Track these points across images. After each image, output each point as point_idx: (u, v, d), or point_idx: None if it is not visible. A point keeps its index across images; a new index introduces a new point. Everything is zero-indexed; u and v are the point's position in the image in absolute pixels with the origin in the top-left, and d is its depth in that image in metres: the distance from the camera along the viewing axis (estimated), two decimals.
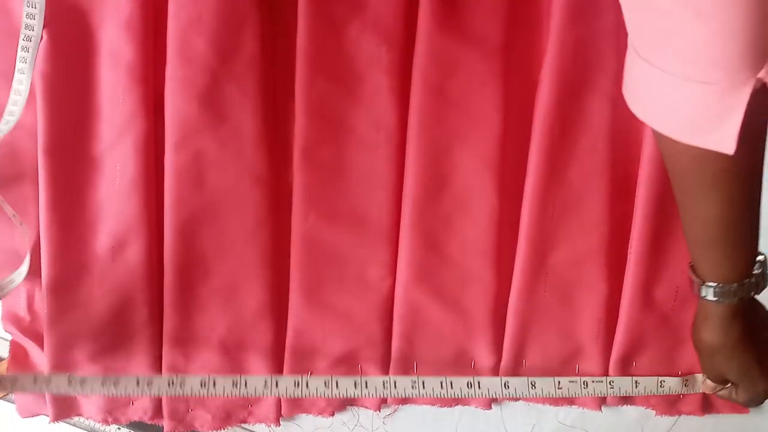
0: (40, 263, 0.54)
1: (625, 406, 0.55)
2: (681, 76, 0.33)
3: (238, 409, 0.56)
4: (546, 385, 0.53)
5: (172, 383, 0.51)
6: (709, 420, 0.55)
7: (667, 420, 0.55)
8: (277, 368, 0.56)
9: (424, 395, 0.53)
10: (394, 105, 0.54)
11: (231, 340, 0.55)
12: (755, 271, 0.43)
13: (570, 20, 0.52)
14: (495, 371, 0.55)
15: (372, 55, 0.54)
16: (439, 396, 0.54)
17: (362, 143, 0.55)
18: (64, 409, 0.56)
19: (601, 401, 0.55)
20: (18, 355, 0.57)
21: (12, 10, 0.54)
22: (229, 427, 0.56)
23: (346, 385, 0.53)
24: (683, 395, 0.55)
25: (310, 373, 0.55)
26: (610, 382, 0.53)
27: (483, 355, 0.55)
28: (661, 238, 0.53)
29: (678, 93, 0.34)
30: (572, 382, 0.53)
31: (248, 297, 0.55)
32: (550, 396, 0.53)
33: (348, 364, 0.55)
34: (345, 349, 0.55)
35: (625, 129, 0.54)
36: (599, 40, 0.53)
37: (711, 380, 0.50)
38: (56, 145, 0.53)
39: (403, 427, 0.56)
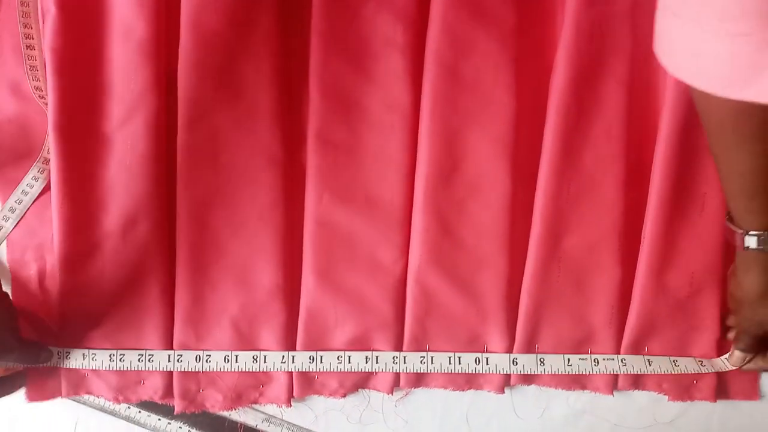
0: (51, 241, 0.54)
1: (636, 390, 0.55)
2: (717, 29, 0.33)
3: (250, 390, 0.56)
4: (555, 361, 0.54)
5: (199, 358, 0.53)
6: (719, 406, 0.55)
7: (676, 406, 0.55)
8: (290, 348, 0.55)
9: (432, 370, 0.54)
10: (409, 86, 0.54)
11: (243, 320, 0.55)
12: None
13: (585, 2, 0.51)
14: None
15: (387, 34, 0.54)
16: (447, 371, 0.54)
17: (376, 124, 0.55)
18: (76, 385, 0.56)
19: (613, 385, 0.55)
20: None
21: None
22: (240, 408, 0.56)
23: (357, 360, 0.54)
24: (697, 380, 0.55)
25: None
26: (621, 360, 0.54)
27: (495, 339, 0.54)
28: (675, 223, 0.53)
29: (714, 47, 0.33)
30: (582, 359, 0.54)
31: (261, 277, 0.54)
32: (560, 373, 0.54)
33: (360, 346, 0.55)
34: (357, 330, 0.55)
35: (640, 112, 0.54)
36: (614, 23, 0.52)
37: (743, 348, 0.51)
38: (67, 122, 0.53)
39: (414, 410, 0.56)
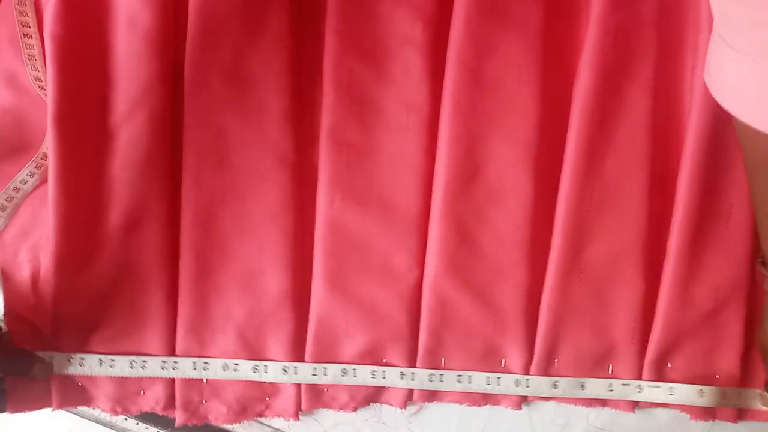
0: (46, 241, 0.51)
1: (657, 408, 0.53)
2: None
3: (255, 402, 0.53)
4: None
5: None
6: (743, 427, 0.54)
7: (699, 425, 0.53)
8: (298, 359, 0.53)
9: (442, 388, 0.52)
10: (427, 86, 0.52)
11: (249, 328, 0.52)
12: None
13: (611, 6, 0.50)
14: (526, 369, 0.53)
15: (405, 32, 0.52)
16: (456, 390, 0.52)
17: (392, 125, 0.52)
18: (69, 397, 0.52)
19: (634, 403, 0.53)
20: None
21: None
22: (245, 422, 0.53)
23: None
24: None
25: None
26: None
27: (513, 352, 0.52)
28: (701, 235, 0.51)
29: (766, 81, 0.32)
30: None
31: (269, 283, 0.52)
32: (574, 397, 0.52)
33: (372, 356, 0.53)
34: (369, 341, 0.52)
35: (665, 119, 0.52)
36: (640, 28, 0.51)
37: None
38: (67, 114, 0.50)
39: (427, 424, 0.54)
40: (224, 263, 0.52)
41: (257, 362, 0.52)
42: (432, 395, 0.53)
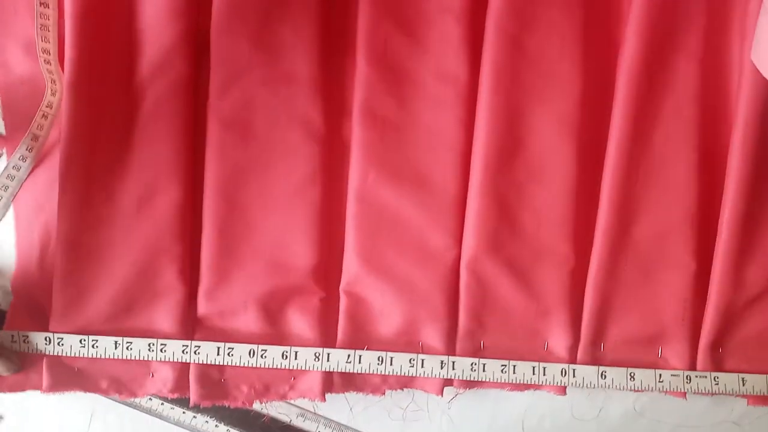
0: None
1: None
2: None
3: (279, 382, 0.49)
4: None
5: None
6: None
7: (743, 405, 0.51)
8: (327, 338, 0.50)
9: (484, 378, 0.49)
10: (465, 56, 0.49)
11: (273, 303, 0.49)
12: None
13: None
14: (571, 353, 0.50)
15: None
16: (500, 380, 0.49)
17: (429, 97, 0.50)
18: (62, 380, 0.49)
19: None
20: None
21: None
22: (267, 402, 0.50)
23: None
24: None
25: (366, 347, 0.49)
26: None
27: (557, 335, 0.50)
28: (755, 210, 0.48)
29: None
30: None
31: (295, 258, 0.49)
32: (621, 388, 0.49)
33: (407, 338, 0.49)
34: (404, 321, 0.49)
35: (714, 90, 0.50)
36: None
37: None
38: (82, 79, 0.47)
39: (462, 407, 0.51)
40: (248, 237, 0.49)
41: (285, 348, 0.49)
42: (471, 382, 0.50)
